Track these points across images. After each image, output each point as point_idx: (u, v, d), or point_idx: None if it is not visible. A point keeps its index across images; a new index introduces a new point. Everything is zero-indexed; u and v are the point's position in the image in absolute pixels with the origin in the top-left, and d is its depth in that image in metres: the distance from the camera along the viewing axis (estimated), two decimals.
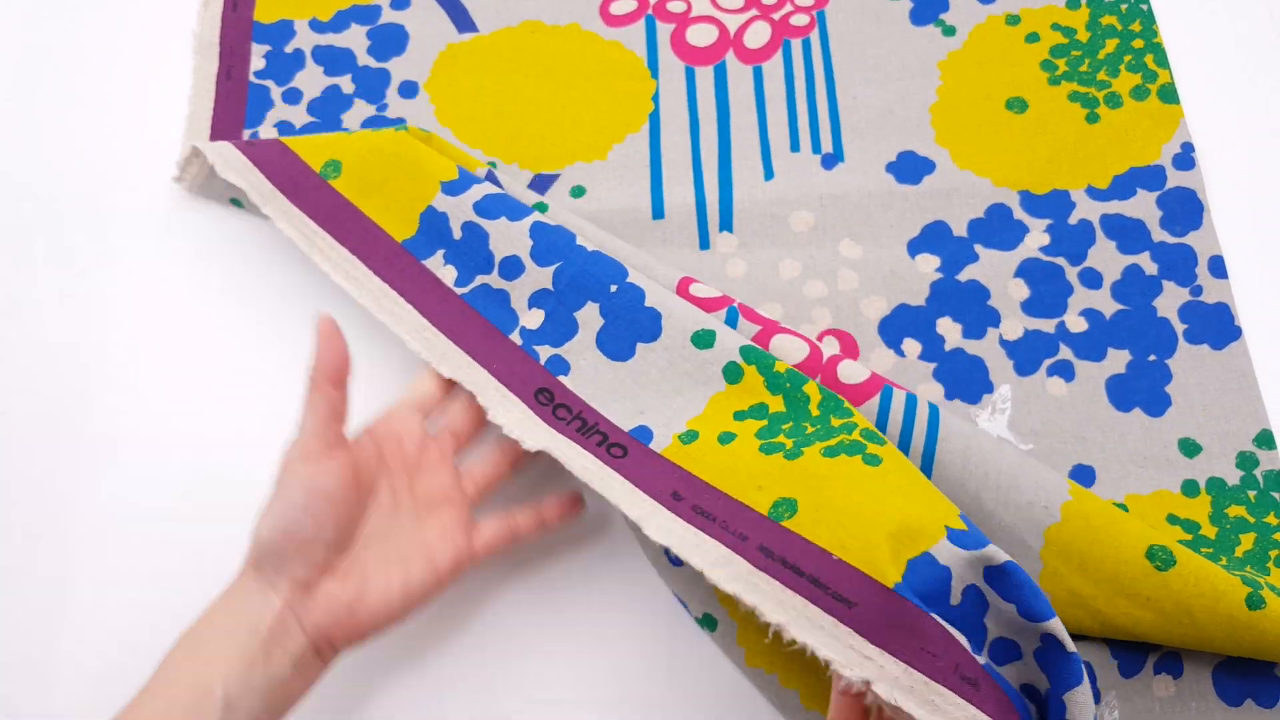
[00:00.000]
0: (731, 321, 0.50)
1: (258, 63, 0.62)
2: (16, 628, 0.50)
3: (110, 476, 0.53)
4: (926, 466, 0.46)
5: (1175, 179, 0.58)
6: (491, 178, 0.55)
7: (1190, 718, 0.47)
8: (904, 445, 0.47)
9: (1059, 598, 0.45)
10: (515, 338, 0.50)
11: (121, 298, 0.56)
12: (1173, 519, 0.50)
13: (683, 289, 0.51)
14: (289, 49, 0.62)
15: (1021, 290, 0.56)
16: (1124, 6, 0.63)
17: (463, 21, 0.64)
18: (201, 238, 0.58)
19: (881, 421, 0.47)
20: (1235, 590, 0.44)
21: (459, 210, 0.51)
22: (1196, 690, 0.47)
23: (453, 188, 0.52)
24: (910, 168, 0.59)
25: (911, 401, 0.47)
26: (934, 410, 0.47)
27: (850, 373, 0.48)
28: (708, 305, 0.51)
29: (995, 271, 0.56)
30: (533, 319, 0.50)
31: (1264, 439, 0.52)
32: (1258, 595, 0.44)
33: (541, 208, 0.54)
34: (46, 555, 0.51)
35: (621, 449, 0.46)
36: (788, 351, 0.49)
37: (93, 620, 0.50)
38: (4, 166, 0.59)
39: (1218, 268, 0.56)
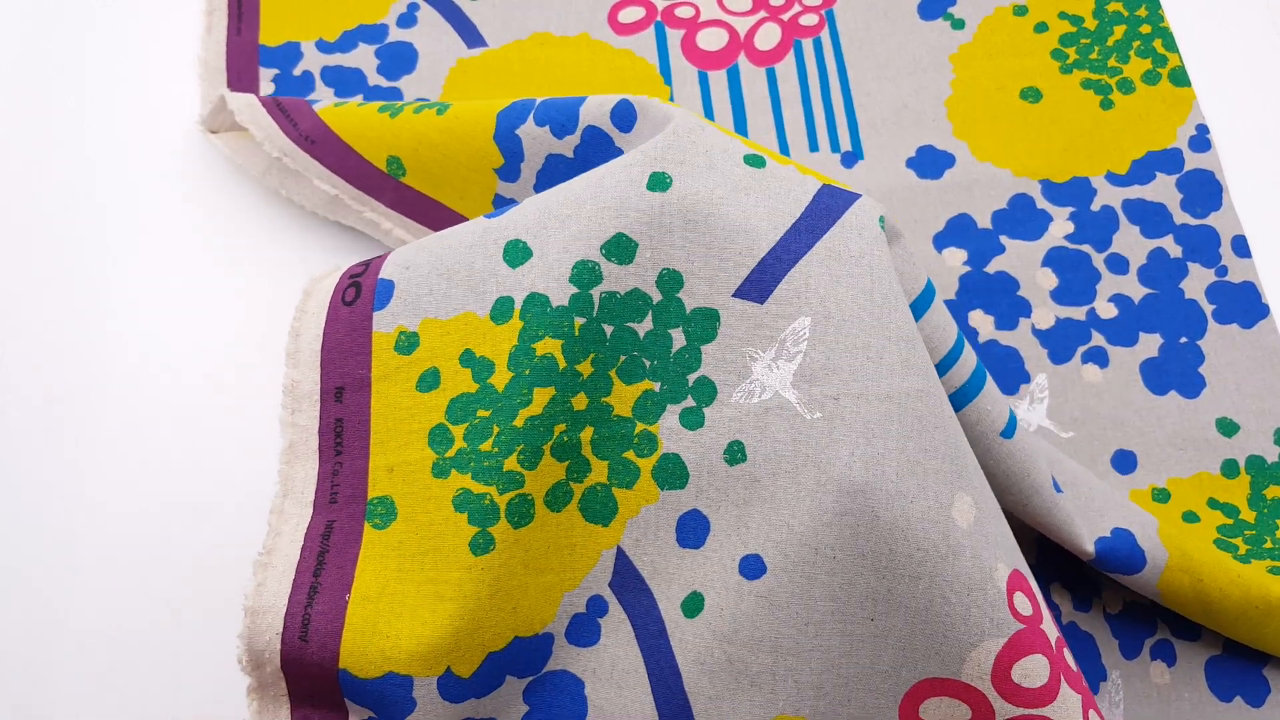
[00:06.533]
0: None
1: (266, 86, 0.61)
2: (16, 628, 0.49)
3: (111, 474, 0.52)
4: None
5: (1193, 161, 0.59)
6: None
7: (1184, 708, 0.47)
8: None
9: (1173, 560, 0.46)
10: None
11: (127, 308, 0.56)
12: (1213, 503, 0.51)
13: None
14: (297, 71, 0.62)
15: (1050, 279, 0.56)
16: None
17: (471, 37, 0.63)
18: (216, 261, 0.57)
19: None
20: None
21: (522, 194, 0.51)
22: (1190, 682, 0.48)
23: (506, 172, 0.50)
24: (930, 162, 0.59)
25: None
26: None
27: None
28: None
29: (1022, 262, 0.56)
30: None
31: None
32: None
33: None
34: (47, 555, 0.50)
35: None
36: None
37: (93, 620, 0.49)
38: (5, 206, 0.58)
39: (1241, 247, 0.56)
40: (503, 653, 0.39)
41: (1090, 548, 0.45)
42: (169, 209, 0.58)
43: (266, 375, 0.52)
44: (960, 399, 0.43)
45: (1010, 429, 0.44)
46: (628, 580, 0.40)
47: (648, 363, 0.42)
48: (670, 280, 0.42)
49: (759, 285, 0.41)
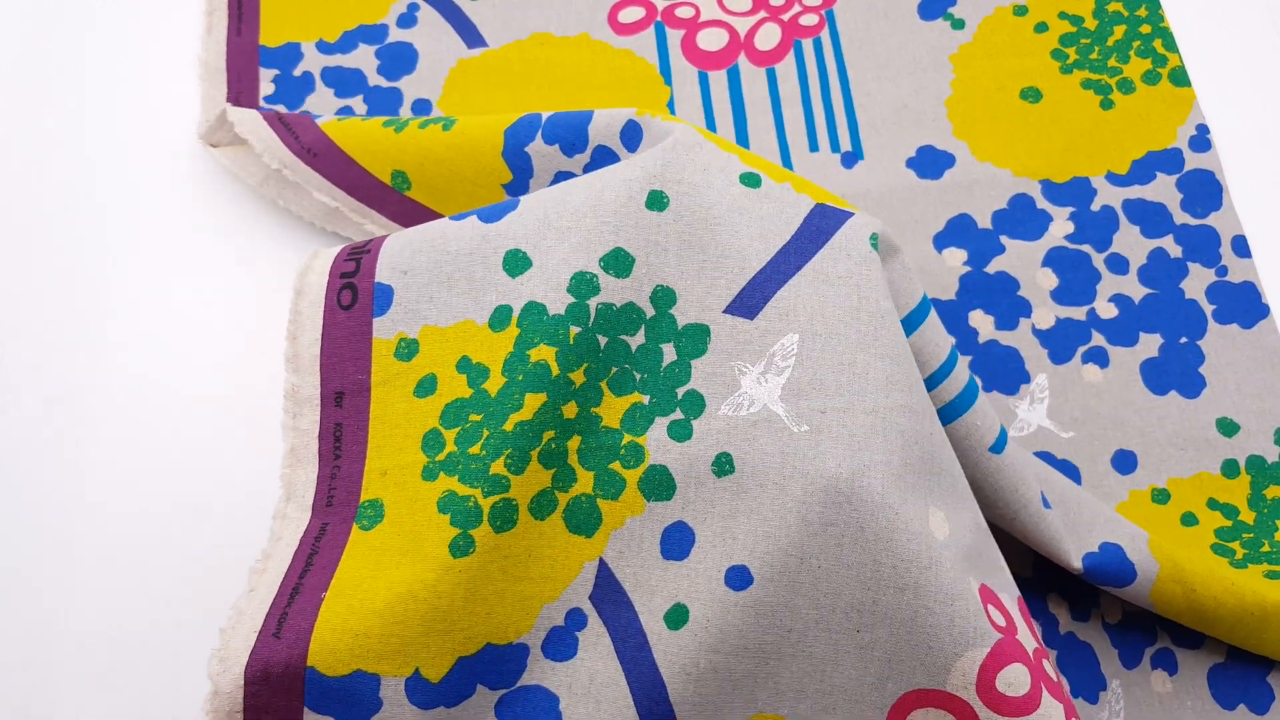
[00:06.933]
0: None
1: (267, 87, 0.61)
2: (16, 628, 0.49)
3: (111, 474, 0.52)
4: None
5: (1193, 161, 0.59)
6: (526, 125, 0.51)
7: (1187, 716, 0.47)
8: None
9: (1164, 570, 0.45)
10: None
11: (127, 309, 0.56)
12: (1213, 503, 0.51)
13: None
14: (297, 72, 0.62)
15: (1050, 279, 0.56)
16: None
17: (471, 37, 0.63)
18: (216, 261, 0.57)
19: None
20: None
21: None
22: (1192, 690, 0.48)
23: (514, 188, 0.51)
24: (930, 162, 0.59)
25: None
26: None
27: None
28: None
29: (1023, 262, 0.56)
30: None
31: None
32: None
33: None
34: (47, 555, 0.50)
35: None
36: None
37: (93, 620, 0.49)
38: (5, 206, 0.59)
39: (1241, 247, 0.56)
40: (474, 658, 0.39)
41: (1077, 563, 0.45)
42: (169, 209, 0.58)
43: (266, 375, 0.52)
44: (950, 413, 0.44)
45: (1000, 445, 0.44)
46: (608, 593, 0.39)
47: (638, 375, 0.42)
48: (664, 297, 0.43)
49: (749, 302, 0.42)
